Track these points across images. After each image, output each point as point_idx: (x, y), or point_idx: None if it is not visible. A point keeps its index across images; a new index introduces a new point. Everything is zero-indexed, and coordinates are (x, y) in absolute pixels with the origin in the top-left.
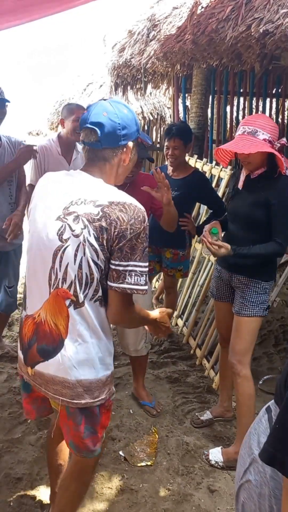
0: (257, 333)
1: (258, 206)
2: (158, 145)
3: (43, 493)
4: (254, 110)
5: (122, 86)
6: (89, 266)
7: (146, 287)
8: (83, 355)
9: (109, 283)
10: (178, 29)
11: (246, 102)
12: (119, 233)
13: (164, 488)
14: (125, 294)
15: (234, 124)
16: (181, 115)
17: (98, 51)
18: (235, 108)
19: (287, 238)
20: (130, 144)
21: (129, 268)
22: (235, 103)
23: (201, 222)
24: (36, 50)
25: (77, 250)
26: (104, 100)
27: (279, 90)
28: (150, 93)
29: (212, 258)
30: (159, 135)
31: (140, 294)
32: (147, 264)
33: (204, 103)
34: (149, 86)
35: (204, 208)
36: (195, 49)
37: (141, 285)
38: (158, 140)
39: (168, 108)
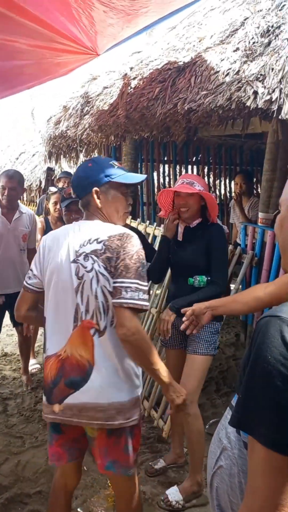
0: (206, 372)
1: (200, 254)
2: None
3: None
4: (178, 175)
5: (55, 155)
6: (104, 294)
7: (142, 303)
8: (110, 379)
9: (111, 300)
10: (110, 105)
11: (171, 169)
12: (117, 255)
13: None
14: (125, 309)
15: (161, 187)
16: None
17: (26, 123)
18: (161, 174)
19: (225, 279)
20: (94, 189)
21: (125, 284)
22: (161, 169)
23: None
24: None
25: (91, 283)
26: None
27: (198, 158)
28: (83, 161)
29: (153, 310)
30: None
31: (139, 309)
32: (144, 283)
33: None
34: (81, 155)
35: None
36: (128, 123)
37: (136, 299)
38: None
39: None
